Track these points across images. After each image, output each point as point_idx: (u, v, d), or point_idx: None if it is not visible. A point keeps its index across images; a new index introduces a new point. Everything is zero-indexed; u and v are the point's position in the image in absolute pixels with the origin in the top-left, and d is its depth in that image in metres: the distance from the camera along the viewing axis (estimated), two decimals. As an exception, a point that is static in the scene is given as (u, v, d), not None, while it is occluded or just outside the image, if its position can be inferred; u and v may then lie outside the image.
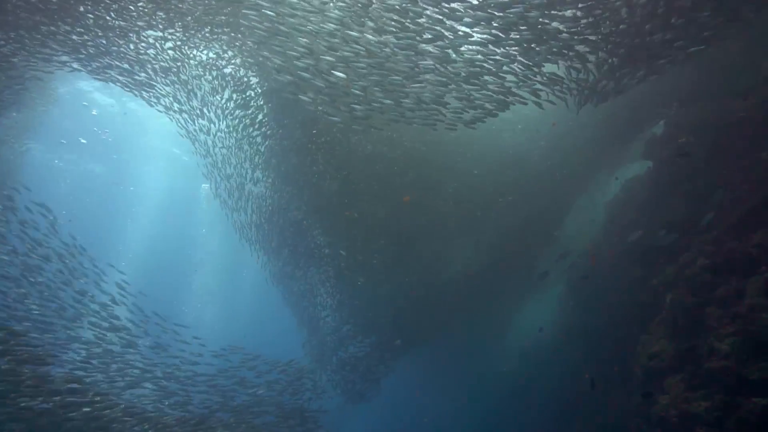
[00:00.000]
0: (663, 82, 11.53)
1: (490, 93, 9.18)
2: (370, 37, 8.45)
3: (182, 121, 14.80)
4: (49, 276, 12.20)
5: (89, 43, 11.82)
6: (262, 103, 14.79)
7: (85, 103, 23.04)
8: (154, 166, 30.19)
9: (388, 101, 8.97)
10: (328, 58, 8.56)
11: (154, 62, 13.28)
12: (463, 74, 8.91)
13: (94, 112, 23.68)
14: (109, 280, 13.90)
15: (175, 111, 14.53)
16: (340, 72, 8.63)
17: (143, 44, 12.63)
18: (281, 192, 15.53)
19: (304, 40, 8.64)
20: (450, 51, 8.63)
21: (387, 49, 8.66)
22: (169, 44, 13.05)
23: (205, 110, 14.49)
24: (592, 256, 9.96)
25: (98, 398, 9.04)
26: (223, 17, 11.98)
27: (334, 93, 9.00)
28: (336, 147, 13.16)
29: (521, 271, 17.53)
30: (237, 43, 13.00)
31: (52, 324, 11.23)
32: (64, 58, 12.31)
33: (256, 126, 14.76)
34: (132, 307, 13.62)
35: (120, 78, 13.30)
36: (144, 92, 13.98)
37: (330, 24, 8.29)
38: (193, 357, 13.03)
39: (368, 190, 13.75)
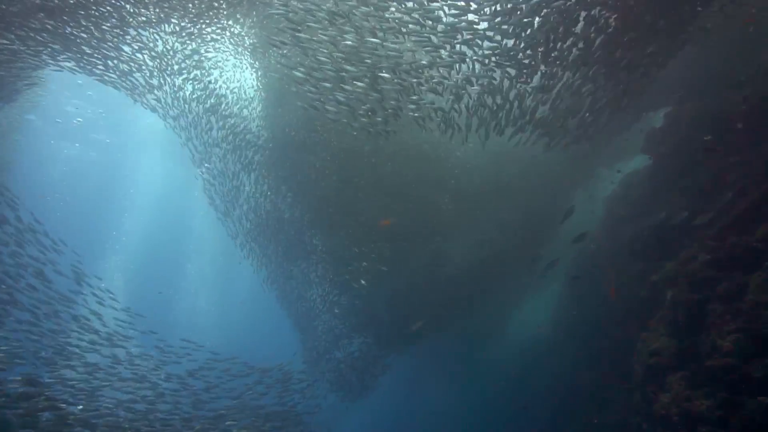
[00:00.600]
0: (663, 74, 11.37)
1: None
2: (391, 44, 8.30)
3: (179, 129, 14.58)
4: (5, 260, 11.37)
5: (83, 41, 11.52)
6: (258, 96, 14.60)
7: (79, 82, 22.54)
8: (150, 151, 29.63)
9: (412, 107, 8.83)
10: (349, 68, 8.41)
11: (150, 62, 13.01)
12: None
13: (89, 92, 23.13)
14: (64, 262, 12.86)
15: (171, 118, 14.29)
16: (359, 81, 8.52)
17: (139, 44, 12.39)
18: (278, 193, 15.31)
19: (324, 49, 8.47)
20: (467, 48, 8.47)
21: (406, 54, 8.58)
22: (161, 42, 12.80)
23: (201, 116, 14.26)
24: (611, 289, 9.53)
25: (63, 405, 8.37)
26: (215, 11, 11.75)
27: (352, 100, 8.89)
28: (332, 144, 12.93)
29: (521, 267, 17.35)
30: (228, 36, 12.77)
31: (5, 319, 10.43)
32: (65, 60, 11.98)
33: (250, 129, 14.60)
34: (91, 295, 12.64)
35: (119, 80, 13.05)
36: (142, 97, 13.73)
37: (349, 28, 8.12)
38: (162, 357, 12.11)
39: (368, 188, 13.51)
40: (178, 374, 11.75)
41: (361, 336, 17.90)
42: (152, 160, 31.10)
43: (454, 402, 25.48)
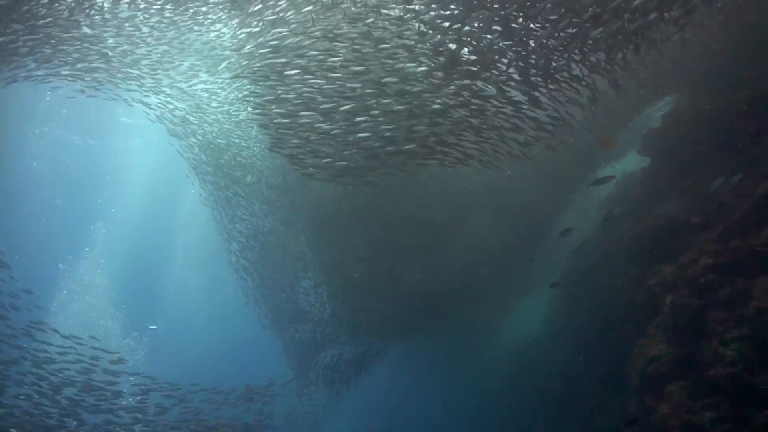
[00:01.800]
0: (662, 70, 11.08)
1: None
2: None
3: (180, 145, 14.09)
4: None
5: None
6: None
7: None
8: (139, 140, 28.73)
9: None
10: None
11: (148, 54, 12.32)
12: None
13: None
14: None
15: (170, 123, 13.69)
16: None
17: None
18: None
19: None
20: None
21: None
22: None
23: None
24: None
25: None
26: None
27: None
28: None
29: (517, 271, 16.99)
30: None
31: None
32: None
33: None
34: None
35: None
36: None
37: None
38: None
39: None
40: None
41: (353, 337, 17.51)
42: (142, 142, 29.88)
43: (448, 405, 25.14)
